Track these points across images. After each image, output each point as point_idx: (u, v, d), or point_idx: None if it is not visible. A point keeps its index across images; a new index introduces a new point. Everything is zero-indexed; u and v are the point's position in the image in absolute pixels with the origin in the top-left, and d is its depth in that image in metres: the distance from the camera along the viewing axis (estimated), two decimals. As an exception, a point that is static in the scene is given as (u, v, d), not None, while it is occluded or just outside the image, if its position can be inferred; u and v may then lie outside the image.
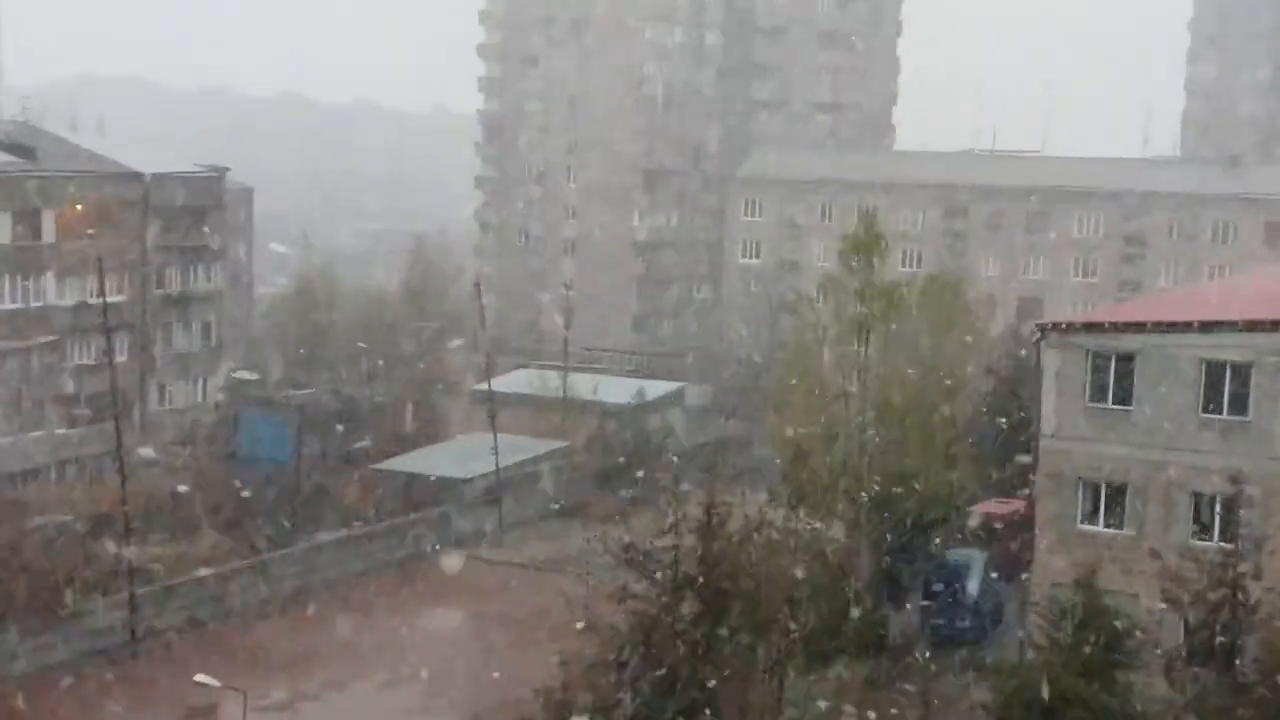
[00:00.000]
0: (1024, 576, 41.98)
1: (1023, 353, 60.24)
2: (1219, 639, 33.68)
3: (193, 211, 74.94)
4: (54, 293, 66.36)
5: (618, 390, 79.40)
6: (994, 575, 50.06)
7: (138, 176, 71.65)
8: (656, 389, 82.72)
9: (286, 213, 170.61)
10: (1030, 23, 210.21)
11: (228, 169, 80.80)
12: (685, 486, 33.47)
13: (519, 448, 70.14)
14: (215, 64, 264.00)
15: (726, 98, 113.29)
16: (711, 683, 31.06)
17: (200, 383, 75.18)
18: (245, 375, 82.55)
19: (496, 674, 45.72)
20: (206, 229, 75.64)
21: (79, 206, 68.03)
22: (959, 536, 53.26)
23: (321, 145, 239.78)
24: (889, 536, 48.57)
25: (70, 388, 66.76)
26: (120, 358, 64.77)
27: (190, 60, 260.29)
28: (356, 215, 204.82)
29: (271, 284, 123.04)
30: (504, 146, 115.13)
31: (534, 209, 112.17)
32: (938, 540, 52.36)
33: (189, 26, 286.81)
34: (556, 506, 68.63)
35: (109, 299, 58.65)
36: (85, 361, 66.94)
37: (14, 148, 69.09)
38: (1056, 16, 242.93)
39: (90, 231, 66.41)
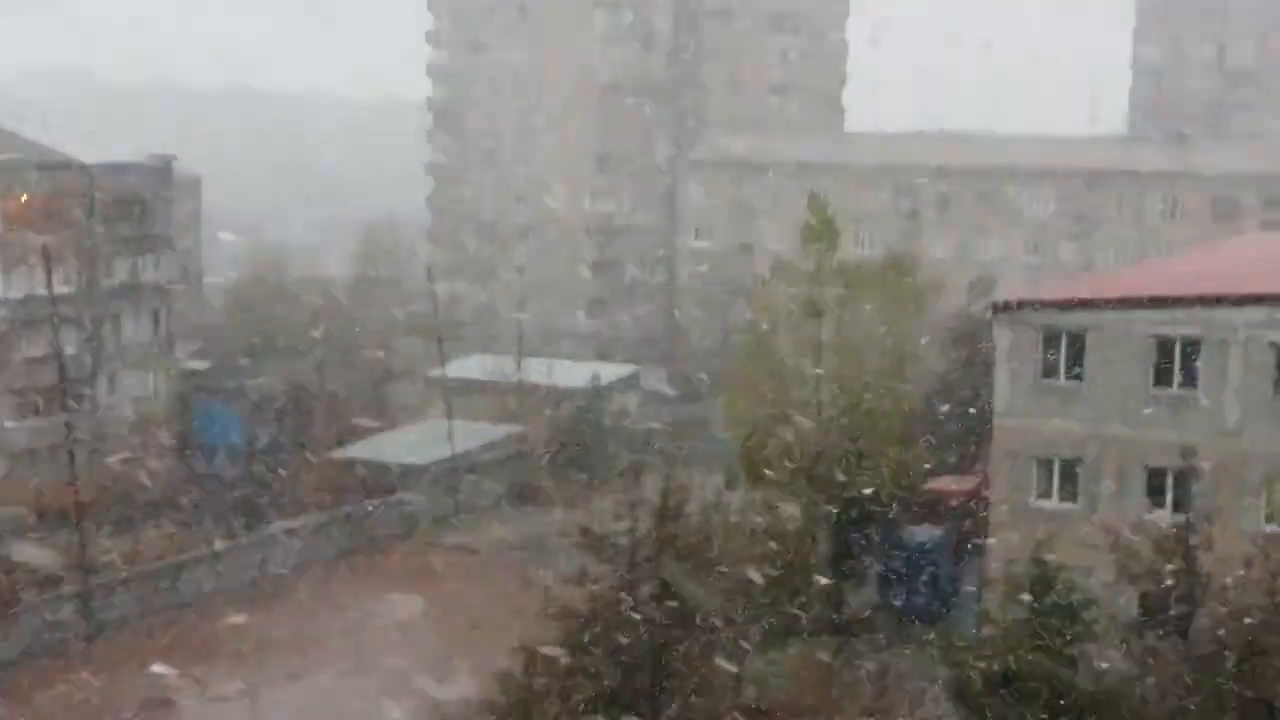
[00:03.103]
0: (979, 552, 42.24)
1: (976, 331, 60.52)
2: (1172, 610, 33.99)
3: (140, 201, 74.29)
4: (0, 285, 65.64)
5: (573, 374, 79.28)
6: (950, 551, 50.41)
7: (83, 167, 70.91)
8: (612, 373, 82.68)
9: (237, 204, 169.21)
10: (977, 4, 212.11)
11: (174, 158, 80.00)
12: (642, 469, 33.53)
13: (474, 433, 69.98)
14: (159, 55, 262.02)
15: (677, 81, 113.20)
16: (670, 663, 31.14)
17: (151, 373, 74.53)
18: (196, 365, 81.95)
19: (456, 661, 45.56)
20: (153, 218, 75.00)
21: (24, 198, 67.31)
22: (915, 513, 53.53)
23: (270, 136, 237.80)
24: (846, 515, 48.76)
25: (20, 381, 66.08)
26: (69, 349, 64.14)
27: (132, 52, 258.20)
28: (307, 204, 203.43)
29: (222, 274, 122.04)
30: (454, 133, 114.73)
31: (485, 195, 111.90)
32: (894, 518, 52.60)
33: (131, 17, 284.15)
34: (513, 491, 68.47)
35: (56, 290, 58.07)
36: (34, 354, 66.23)
37: (-42, 140, 68.31)
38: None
39: (36, 223, 65.70)
